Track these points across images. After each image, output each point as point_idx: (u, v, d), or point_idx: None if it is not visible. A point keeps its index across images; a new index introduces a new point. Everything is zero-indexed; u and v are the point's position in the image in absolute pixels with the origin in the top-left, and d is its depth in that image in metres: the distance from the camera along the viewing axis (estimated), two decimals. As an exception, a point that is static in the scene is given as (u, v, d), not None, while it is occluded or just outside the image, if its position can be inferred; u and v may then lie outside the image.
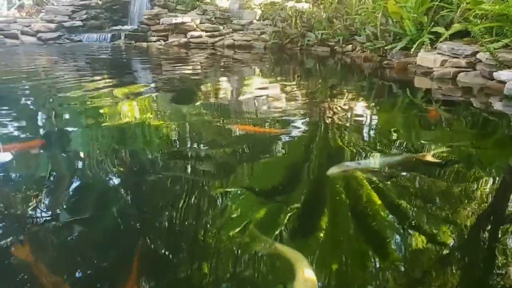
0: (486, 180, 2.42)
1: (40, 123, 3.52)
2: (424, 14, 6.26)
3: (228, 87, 5.59)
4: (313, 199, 2.17)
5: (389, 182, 2.31)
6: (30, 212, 1.96)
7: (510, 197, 2.26)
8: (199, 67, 7.29)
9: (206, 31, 10.42)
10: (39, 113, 3.85)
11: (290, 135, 3.21)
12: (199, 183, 2.32)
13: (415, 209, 2.05)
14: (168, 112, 3.98)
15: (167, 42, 10.39)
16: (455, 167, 2.60)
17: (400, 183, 2.35)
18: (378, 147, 2.99)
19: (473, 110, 4.16)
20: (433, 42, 5.97)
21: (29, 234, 1.77)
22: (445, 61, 5.48)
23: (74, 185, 2.32)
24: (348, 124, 3.58)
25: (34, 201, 2.05)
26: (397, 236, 1.85)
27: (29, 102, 4.31)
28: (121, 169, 2.54)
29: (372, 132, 3.49)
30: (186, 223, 1.90)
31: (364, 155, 2.82)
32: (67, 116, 3.81)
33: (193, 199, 2.10)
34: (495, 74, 4.62)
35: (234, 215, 1.95)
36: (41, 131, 3.31)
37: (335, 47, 8.77)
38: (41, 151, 2.86)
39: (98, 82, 5.24)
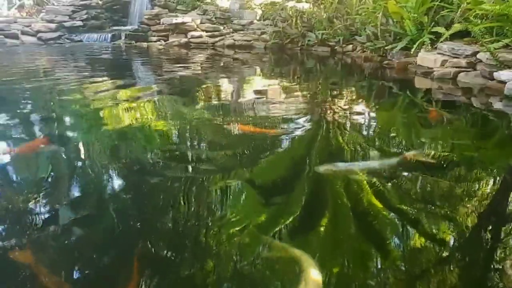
0: (486, 180, 2.42)
1: (40, 123, 3.52)
2: (424, 14, 6.26)
3: (228, 87, 5.59)
4: (312, 198, 2.18)
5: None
6: (30, 212, 1.97)
7: (510, 197, 2.25)
8: (200, 67, 7.29)
9: (207, 31, 10.42)
10: (39, 113, 3.85)
11: (290, 135, 3.21)
12: (199, 182, 2.32)
13: (415, 211, 2.06)
14: (169, 112, 3.98)
15: (167, 42, 10.39)
16: (455, 167, 2.59)
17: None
18: (377, 147, 2.99)
19: (473, 110, 4.16)
20: (433, 42, 5.97)
21: (29, 234, 1.78)
22: (446, 61, 5.47)
23: (75, 185, 2.32)
24: (348, 124, 3.58)
25: (34, 201, 2.05)
26: (395, 235, 1.85)
27: (29, 103, 4.31)
28: (122, 169, 2.54)
29: (371, 132, 3.49)
30: (186, 223, 1.90)
31: (362, 154, 2.83)
32: (67, 117, 3.81)
33: (193, 199, 2.10)
34: (495, 74, 4.62)
35: (235, 215, 1.95)
36: (42, 132, 3.31)
37: (336, 47, 8.76)
38: (45, 151, 2.87)
39: (99, 82, 5.24)
